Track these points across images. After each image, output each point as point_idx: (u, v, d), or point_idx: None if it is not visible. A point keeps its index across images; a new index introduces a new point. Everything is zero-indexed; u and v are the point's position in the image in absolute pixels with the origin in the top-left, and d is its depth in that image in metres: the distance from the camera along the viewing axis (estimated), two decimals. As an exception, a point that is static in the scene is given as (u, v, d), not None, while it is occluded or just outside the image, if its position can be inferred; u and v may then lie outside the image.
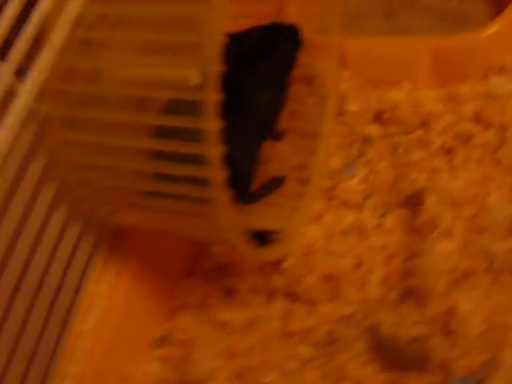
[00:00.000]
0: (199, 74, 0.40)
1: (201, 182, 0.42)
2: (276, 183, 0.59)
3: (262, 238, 0.55)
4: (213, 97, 0.38)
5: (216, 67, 0.38)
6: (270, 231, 0.56)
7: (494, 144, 0.58)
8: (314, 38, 0.63)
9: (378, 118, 0.64)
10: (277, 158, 0.63)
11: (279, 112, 0.56)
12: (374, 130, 0.63)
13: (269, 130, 0.56)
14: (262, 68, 0.53)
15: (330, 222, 0.60)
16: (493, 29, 0.63)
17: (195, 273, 0.61)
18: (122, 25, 0.46)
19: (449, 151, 0.60)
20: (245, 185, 0.53)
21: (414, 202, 0.58)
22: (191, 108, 0.40)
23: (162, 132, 0.44)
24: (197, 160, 0.41)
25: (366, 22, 0.73)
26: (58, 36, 0.43)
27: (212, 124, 0.39)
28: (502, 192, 0.55)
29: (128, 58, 0.46)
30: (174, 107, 0.44)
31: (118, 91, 0.46)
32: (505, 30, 0.63)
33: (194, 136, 0.41)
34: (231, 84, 0.40)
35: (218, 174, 0.40)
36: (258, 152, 0.54)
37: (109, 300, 0.52)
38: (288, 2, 0.65)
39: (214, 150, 0.39)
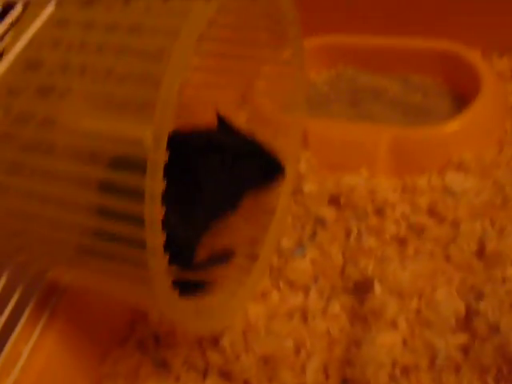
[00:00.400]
0: (151, 131, 0.40)
1: (140, 244, 0.40)
2: (223, 257, 0.57)
3: (188, 286, 0.53)
4: (159, 158, 0.37)
5: (165, 128, 0.38)
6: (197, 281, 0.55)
7: (446, 239, 0.58)
8: (279, 117, 0.64)
9: (334, 201, 0.63)
10: (229, 229, 0.62)
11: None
12: (328, 212, 0.63)
13: (221, 211, 0.55)
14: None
15: (275, 301, 0.58)
16: (453, 125, 0.64)
17: (129, 340, 0.58)
18: (82, 75, 0.46)
19: (401, 241, 0.59)
20: (187, 253, 0.51)
21: (361, 289, 0.56)
22: (138, 167, 0.39)
23: (109, 188, 0.42)
24: (138, 221, 0.40)
25: (332, 108, 0.74)
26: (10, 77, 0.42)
27: (155, 186, 0.37)
28: (449, 288, 0.54)
29: (83, 109, 0.46)
30: (123, 164, 0.43)
31: (69, 142, 0.45)
32: (465, 127, 0.64)
33: (138, 196, 0.39)
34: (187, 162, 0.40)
35: (156, 237, 0.38)
36: (205, 226, 0.53)
37: (29, 361, 0.49)
38: (258, 76, 0.66)
39: (154, 212, 0.38)
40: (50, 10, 0.31)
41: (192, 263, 0.54)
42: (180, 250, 0.51)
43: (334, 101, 0.76)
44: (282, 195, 0.62)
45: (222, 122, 0.54)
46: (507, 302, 0.51)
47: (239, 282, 0.56)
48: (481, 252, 0.56)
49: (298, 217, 0.64)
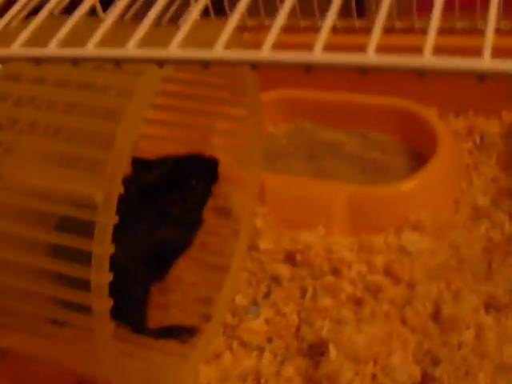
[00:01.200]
0: (100, 193, 0.38)
1: (86, 309, 0.38)
2: (179, 333, 0.56)
3: (173, 333, 0.54)
4: (107, 219, 0.36)
5: (116, 188, 0.36)
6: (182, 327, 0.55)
7: (402, 300, 0.57)
8: (234, 171, 0.63)
9: (290, 258, 0.62)
10: (181, 288, 0.60)
11: (179, 250, 0.54)
12: (284, 270, 0.61)
13: (164, 268, 0.54)
14: (164, 202, 0.50)
15: (228, 363, 0.56)
16: (410, 184, 0.64)
17: (74, 404, 0.55)
18: (32, 130, 0.44)
19: (357, 302, 0.58)
20: (138, 316, 0.50)
21: (316, 351, 0.55)
22: (86, 227, 0.38)
23: (56, 250, 0.41)
24: (85, 285, 0.38)
25: (289, 161, 0.74)
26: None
27: (102, 248, 0.36)
28: (405, 352, 0.53)
29: (31, 166, 0.44)
30: (69, 224, 0.41)
31: (15, 200, 0.43)
32: (422, 187, 0.64)
33: (86, 259, 0.38)
34: (127, 212, 0.38)
35: (101, 302, 0.37)
36: (148, 288, 0.52)
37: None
38: (214, 131, 0.65)
39: (101, 275, 0.36)
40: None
41: (145, 327, 0.52)
42: (130, 312, 0.50)
43: (292, 154, 0.75)
44: (236, 251, 0.61)
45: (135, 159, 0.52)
46: (463, 368, 0.50)
47: (191, 343, 0.55)
48: (436, 315, 0.55)
49: (254, 273, 0.62)
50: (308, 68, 0.24)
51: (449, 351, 0.52)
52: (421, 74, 0.22)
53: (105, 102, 0.40)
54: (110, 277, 0.37)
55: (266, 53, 0.24)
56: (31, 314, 0.42)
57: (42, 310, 0.41)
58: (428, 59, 0.23)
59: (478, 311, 0.54)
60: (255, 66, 0.25)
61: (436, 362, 0.51)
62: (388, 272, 0.60)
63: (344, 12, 0.73)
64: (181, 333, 0.55)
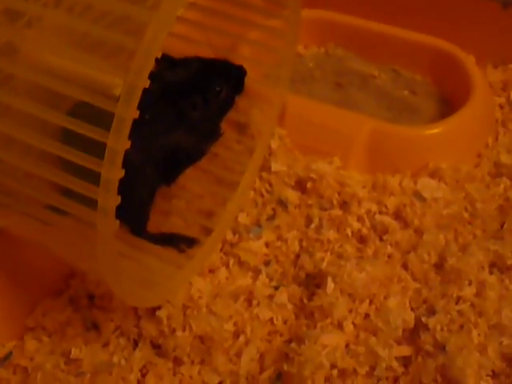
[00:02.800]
0: (122, 84, 0.36)
1: (91, 201, 0.37)
2: (178, 242, 0.54)
3: (172, 240, 0.53)
4: (127, 113, 0.33)
5: (141, 82, 0.34)
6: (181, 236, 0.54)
7: (407, 245, 0.56)
8: (258, 87, 0.60)
9: (300, 185, 0.60)
10: (185, 197, 0.59)
11: (191, 157, 0.52)
12: (292, 195, 0.60)
13: (174, 173, 0.52)
14: (184, 105, 0.48)
15: (222, 279, 0.55)
16: (435, 130, 0.62)
17: (61, 295, 0.55)
18: (58, 6, 0.41)
19: (362, 239, 0.57)
20: (140, 219, 0.48)
21: (312, 282, 0.54)
22: (102, 117, 0.35)
23: (67, 135, 0.39)
24: (93, 178, 0.36)
25: (315, 86, 0.71)
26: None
27: (117, 142, 0.34)
28: (402, 297, 0.52)
29: (53, 44, 0.41)
30: (86, 111, 0.39)
31: (31, 77, 0.40)
32: (446, 134, 0.62)
33: (98, 151, 0.36)
34: (144, 109, 0.35)
35: (110, 199, 0.35)
36: (154, 192, 0.51)
37: None
38: (244, 41, 0.62)
39: (111, 170, 0.34)
40: None
41: (144, 231, 0.51)
42: (133, 213, 0.48)
43: (319, 79, 0.73)
44: (247, 169, 0.59)
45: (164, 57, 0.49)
46: (458, 322, 0.49)
47: (188, 254, 0.54)
48: (440, 266, 0.54)
49: (261, 194, 0.61)
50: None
51: (446, 303, 0.51)
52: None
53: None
54: (121, 173, 0.35)
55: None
56: (33, 198, 0.40)
57: (45, 196, 0.39)
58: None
59: (483, 269, 0.53)
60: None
61: (432, 312, 0.50)
62: (398, 215, 0.58)
63: None
64: (179, 242, 0.54)
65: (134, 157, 0.39)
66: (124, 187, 0.37)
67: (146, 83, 0.34)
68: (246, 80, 0.52)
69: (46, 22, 0.41)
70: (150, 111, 0.44)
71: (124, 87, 0.34)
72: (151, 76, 0.35)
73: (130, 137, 0.35)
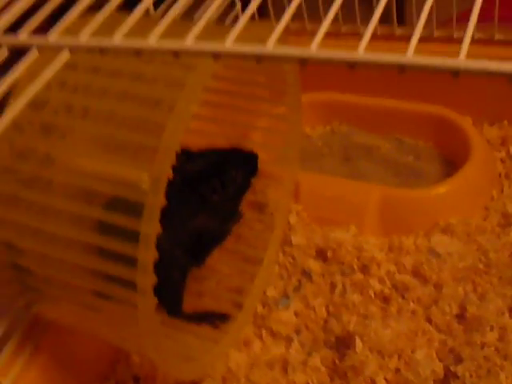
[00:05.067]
0: (148, 177, 0.41)
1: (130, 284, 0.41)
2: (212, 319, 0.58)
3: (206, 318, 0.56)
4: (156, 201, 0.38)
5: (165, 174, 0.39)
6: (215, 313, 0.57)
7: (429, 300, 0.59)
8: (271, 168, 0.65)
9: (321, 254, 0.64)
10: (215, 277, 0.63)
11: (216, 239, 0.57)
12: (314, 265, 0.64)
13: (202, 255, 0.56)
14: (205, 190, 0.53)
15: (257, 350, 0.59)
16: (442, 189, 0.65)
17: (109, 380, 0.58)
18: (86, 116, 0.47)
19: (385, 299, 0.60)
20: (175, 298, 0.52)
21: (342, 344, 0.57)
22: (133, 208, 0.40)
23: (104, 228, 0.43)
24: (130, 262, 0.41)
25: (324, 162, 0.76)
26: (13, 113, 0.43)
27: (149, 228, 0.38)
28: (429, 349, 0.55)
29: (84, 150, 0.47)
30: (118, 204, 0.44)
31: (67, 180, 0.46)
32: (453, 192, 0.66)
33: (132, 237, 0.40)
34: (169, 197, 0.40)
35: (146, 278, 0.39)
36: (186, 274, 0.55)
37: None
38: (253, 128, 0.68)
39: (147, 253, 0.39)
40: (65, 55, 0.32)
41: (180, 311, 0.55)
42: (168, 295, 0.53)
43: (328, 155, 0.77)
44: (270, 245, 0.63)
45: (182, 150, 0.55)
46: (485, 367, 0.52)
47: (223, 329, 0.57)
48: (461, 315, 0.57)
49: (285, 267, 0.65)
50: (352, 65, 0.27)
51: (472, 350, 0.53)
52: (455, 73, 0.25)
53: (156, 92, 0.42)
54: (155, 255, 0.39)
55: (314, 50, 0.27)
56: (78, 287, 0.44)
57: (89, 284, 0.44)
58: (463, 61, 0.25)
59: (503, 314, 0.56)
60: (304, 61, 0.27)
61: (459, 360, 0.53)
62: (416, 272, 0.61)
63: (384, 19, 0.75)
64: (213, 318, 0.58)
65: (163, 242, 0.43)
66: (157, 271, 0.41)
67: (170, 174, 0.39)
68: (260, 163, 0.57)
69: (77, 131, 0.47)
70: (173, 199, 0.49)
71: (150, 180, 0.40)
72: (173, 169, 0.40)
73: (160, 223, 0.40)
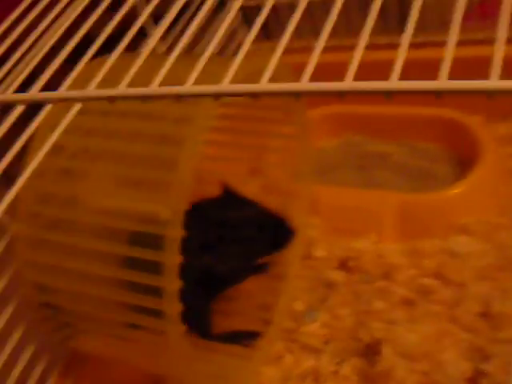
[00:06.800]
0: (168, 209, 0.43)
1: (159, 314, 0.43)
2: (242, 337, 0.60)
3: (236, 338, 0.57)
4: (176, 233, 0.40)
5: (181, 206, 0.41)
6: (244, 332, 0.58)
7: (453, 300, 0.60)
8: (288, 184, 0.67)
9: (343, 265, 0.66)
10: (242, 296, 0.65)
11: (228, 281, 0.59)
12: (338, 276, 0.65)
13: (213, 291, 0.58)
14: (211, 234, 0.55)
15: (289, 364, 0.60)
16: (456, 190, 0.67)
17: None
18: (102, 157, 0.49)
19: (409, 303, 0.61)
20: (203, 322, 0.54)
21: (371, 351, 0.58)
22: (155, 241, 0.42)
23: (129, 261, 0.46)
24: (157, 292, 0.43)
25: (340, 173, 0.78)
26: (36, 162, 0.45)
27: (172, 259, 0.40)
28: (456, 349, 0.56)
29: (103, 189, 0.49)
30: (140, 238, 0.46)
31: (90, 220, 0.48)
32: (468, 192, 0.67)
33: (156, 268, 0.43)
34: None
35: (172, 306, 0.41)
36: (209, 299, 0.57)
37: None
38: (267, 149, 0.69)
39: (172, 283, 0.41)
40: (77, 106, 0.35)
41: (209, 333, 0.56)
42: (196, 319, 0.55)
43: (343, 166, 0.79)
44: (293, 260, 0.65)
45: (228, 191, 0.57)
46: (512, 362, 0.53)
47: (254, 346, 0.59)
48: (486, 313, 0.58)
49: (309, 281, 0.66)
50: (342, 95, 0.29)
51: (498, 347, 0.54)
52: (438, 94, 0.26)
53: (166, 129, 0.45)
54: (180, 284, 0.41)
55: (303, 84, 0.29)
56: (109, 320, 0.47)
57: (119, 316, 0.46)
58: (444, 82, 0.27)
59: (527, 308, 0.57)
60: (298, 95, 0.29)
61: (486, 358, 0.54)
62: (438, 274, 0.62)
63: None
64: (243, 337, 0.60)
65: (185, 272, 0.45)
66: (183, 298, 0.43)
67: (186, 206, 0.41)
68: (277, 182, 0.59)
69: (96, 172, 0.49)
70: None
71: (169, 212, 0.42)
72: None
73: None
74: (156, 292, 0.43)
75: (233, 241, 0.55)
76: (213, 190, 0.59)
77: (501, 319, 0.56)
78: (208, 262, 0.55)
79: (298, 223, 0.64)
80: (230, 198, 0.58)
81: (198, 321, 0.56)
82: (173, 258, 0.41)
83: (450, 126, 0.74)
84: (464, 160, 0.73)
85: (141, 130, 0.47)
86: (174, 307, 0.42)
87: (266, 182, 0.71)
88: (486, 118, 0.77)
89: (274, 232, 0.58)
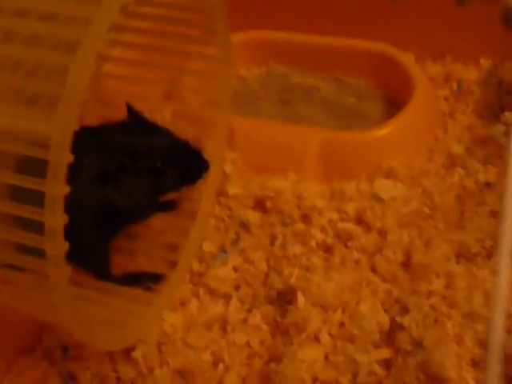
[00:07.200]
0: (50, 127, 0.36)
1: (42, 253, 0.37)
2: (144, 280, 0.54)
3: (138, 280, 0.53)
4: (61, 158, 0.33)
5: (69, 123, 0.34)
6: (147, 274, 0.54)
7: (373, 248, 0.56)
8: (204, 112, 0.61)
9: (259, 204, 0.61)
10: (147, 234, 0.59)
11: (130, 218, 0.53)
12: (253, 216, 0.60)
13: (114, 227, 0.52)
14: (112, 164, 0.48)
15: (194, 310, 0.55)
16: (384, 131, 0.62)
17: (35, 350, 0.54)
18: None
19: (327, 249, 0.57)
20: (101, 262, 0.48)
21: (284, 299, 0.54)
22: (44, 169, 0.35)
23: (16, 193, 0.38)
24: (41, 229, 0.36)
25: (261, 106, 0.72)
26: None
27: (54, 188, 0.34)
28: (374, 300, 0.52)
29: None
30: (30, 166, 0.39)
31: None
32: (395, 133, 0.62)
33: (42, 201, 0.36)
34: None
35: (54, 244, 0.35)
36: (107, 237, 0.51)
37: None
38: (185, 71, 0.63)
39: (53, 217, 0.34)
40: None
41: (108, 275, 0.51)
42: (92, 258, 0.48)
43: (264, 98, 0.73)
44: (204, 197, 0.59)
45: (135, 115, 0.50)
46: (431, 316, 0.49)
47: (155, 290, 0.53)
48: (407, 263, 0.55)
49: (222, 220, 0.61)
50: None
51: (418, 300, 0.51)
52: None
53: (65, 33, 0.37)
54: (64, 219, 0.35)
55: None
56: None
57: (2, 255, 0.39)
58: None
59: (449, 260, 0.53)
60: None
61: (405, 311, 0.50)
62: (359, 220, 0.58)
63: None
64: (146, 279, 0.54)
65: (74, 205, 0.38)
66: (76, 238, 0.37)
67: (76, 126, 0.34)
68: (192, 108, 0.53)
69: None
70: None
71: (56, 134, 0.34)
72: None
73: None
74: (41, 229, 0.36)
75: (138, 172, 0.48)
76: (121, 115, 0.52)
77: (422, 270, 0.53)
78: (108, 194, 0.48)
79: (214, 156, 0.58)
80: (137, 124, 0.51)
81: (94, 260, 0.50)
82: (55, 188, 0.34)
83: (381, 61, 0.70)
84: (395, 99, 0.69)
85: (35, 33, 0.38)
86: (56, 246, 0.35)
87: (180, 109, 0.64)
88: (417, 58, 0.73)
89: (185, 164, 0.51)
